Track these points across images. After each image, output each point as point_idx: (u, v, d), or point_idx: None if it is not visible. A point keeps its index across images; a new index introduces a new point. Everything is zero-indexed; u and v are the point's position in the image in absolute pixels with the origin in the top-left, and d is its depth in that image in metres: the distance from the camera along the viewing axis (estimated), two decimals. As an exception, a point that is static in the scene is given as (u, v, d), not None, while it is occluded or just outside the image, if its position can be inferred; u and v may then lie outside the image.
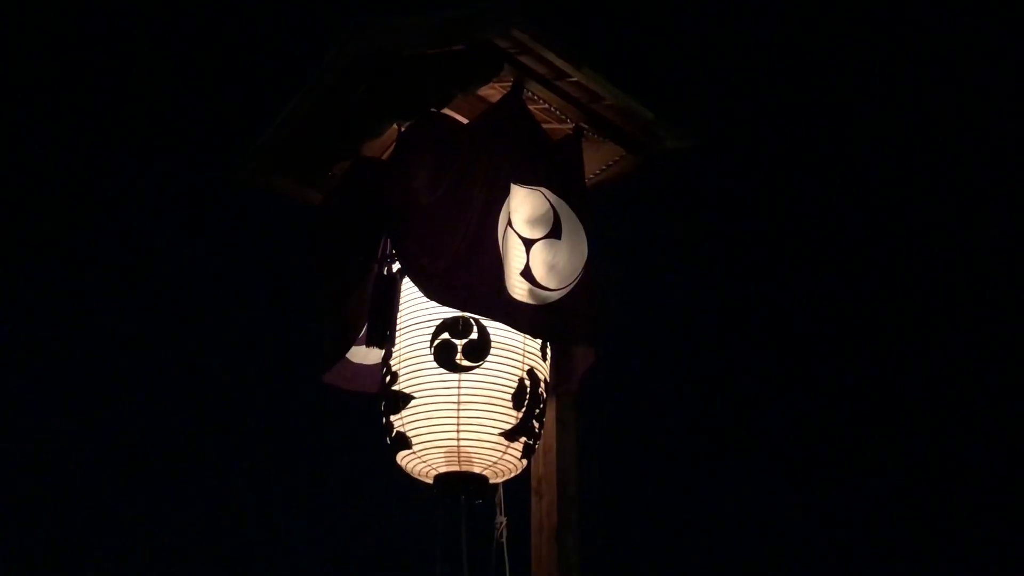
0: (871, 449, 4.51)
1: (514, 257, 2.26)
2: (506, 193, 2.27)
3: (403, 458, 2.35)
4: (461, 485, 2.30)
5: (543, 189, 2.34)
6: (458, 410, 2.27)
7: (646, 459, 4.49)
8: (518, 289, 2.24)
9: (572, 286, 2.29)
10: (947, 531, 4.26)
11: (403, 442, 2.32)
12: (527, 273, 2.26)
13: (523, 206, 2.31)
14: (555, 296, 2.27)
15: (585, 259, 2.33)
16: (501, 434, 2.27)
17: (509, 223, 2.28)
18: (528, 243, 2.29)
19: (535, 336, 2.35)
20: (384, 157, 2.56)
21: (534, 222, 2.31)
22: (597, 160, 2.60)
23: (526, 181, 2.32)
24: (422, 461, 2.31)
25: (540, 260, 2.28)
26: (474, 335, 2.28)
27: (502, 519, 2.46)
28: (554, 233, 2.32)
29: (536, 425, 2.34)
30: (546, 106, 2.45)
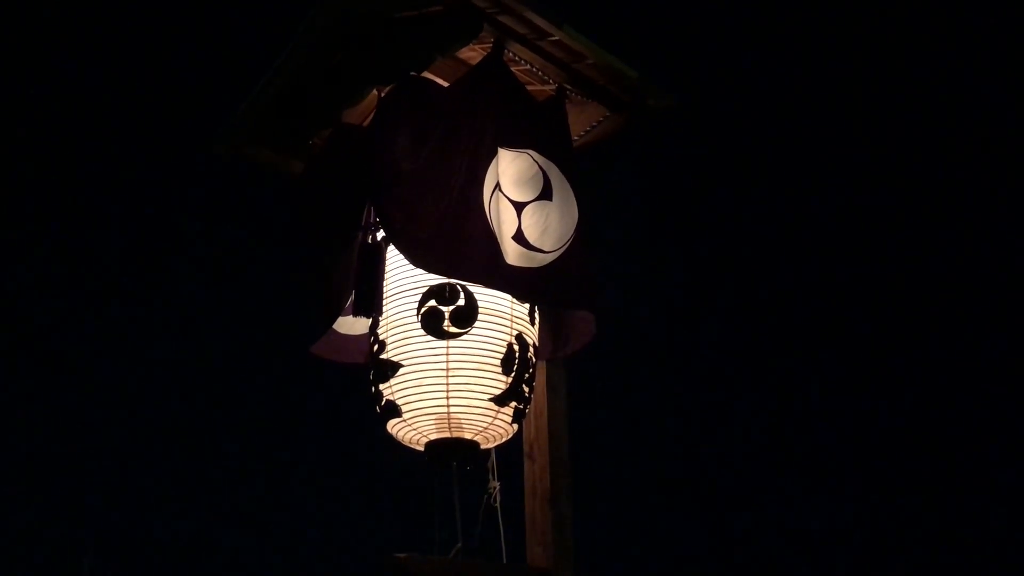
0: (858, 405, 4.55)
1: (505, 220, 2.24)
2: (491, 156, 2.25)
3: (393, 426, 2.34)
4: (452, 451, 2.30)
5: (530, 151, 2.31)
6: (447, 377, 2.26)
7: (638, 420, 4.51)
8: (511, 252, 2.22)
9: (565, 248, 2.28)
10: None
11: (393, 410, 2.31)
12: (519, 236, 2.24)
13: (511, 168, 2.28)
14: (549, 258, 2.26)
15: (576, 221, 2.31)
16: (491, 399, 2.27)
17: (497, 186, 2.25)
18: (519, 206, 2.27)
19: (525, 300, 2.33)
20: (365, 124, 2.52)
21: (524, 184, 2.28)
22: (582, 121, 2.57)
23: (512, 143, 2.29)
24: (412, 429, 2.30)
25: (533, 222, 2.26)
26: (461, 301, 2.26)
27: (495, 484, 2.47)
28: (545, 194, 2.29)
29: (526, 390, 2.33)
30: (528, 67, 2.41)
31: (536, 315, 2.41)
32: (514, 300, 2.33)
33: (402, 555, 2.14)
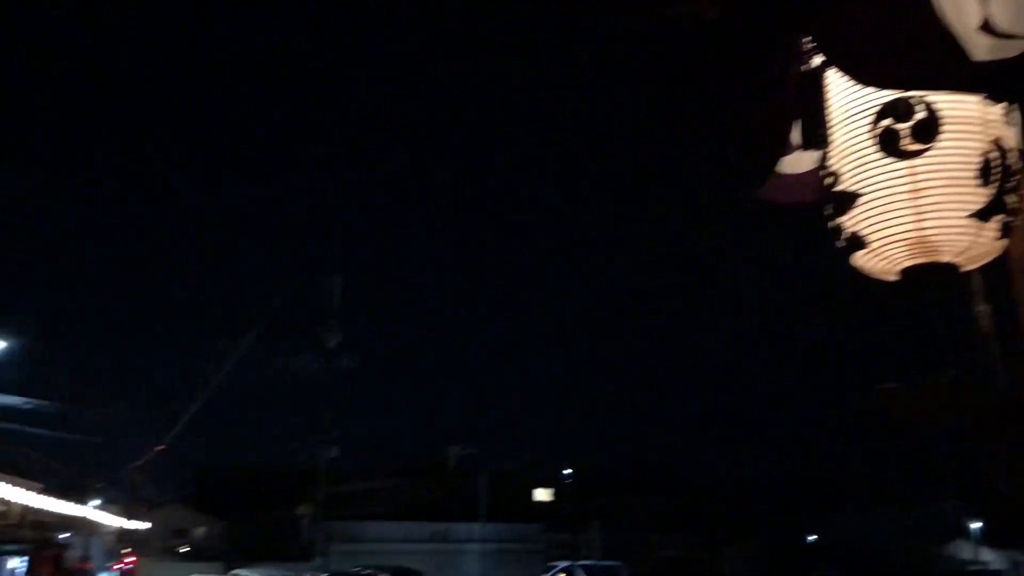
0: None
1: (965, 10, 1.97)
2: None
3: (860, 258, 2.24)
4: (931, 276, 2.15)
5: None
6: (915, 198, 2.10)
7: None
8: (979, 46, 1.96)
9: None
10: None
11: (857, 243, 2.21)
12: (987, 26, 1.97)
13: None
14: None
15: None
16: (970, 216, 2.07)
17: None
18: None
19: (1004, 99, 2.06)
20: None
21: None
22: None
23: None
24: (883, 258, 2.19)
25: (1002, 5, 1.96)
26: (921, 114, 2.08)
27: (983, 308, 2.27)
28: None
29: (1012, 200, 2.08)
30: None
31: (1014, 114, 2.12)
32: (985, 101, 2.07)
33: (891, 385, 2.08)
